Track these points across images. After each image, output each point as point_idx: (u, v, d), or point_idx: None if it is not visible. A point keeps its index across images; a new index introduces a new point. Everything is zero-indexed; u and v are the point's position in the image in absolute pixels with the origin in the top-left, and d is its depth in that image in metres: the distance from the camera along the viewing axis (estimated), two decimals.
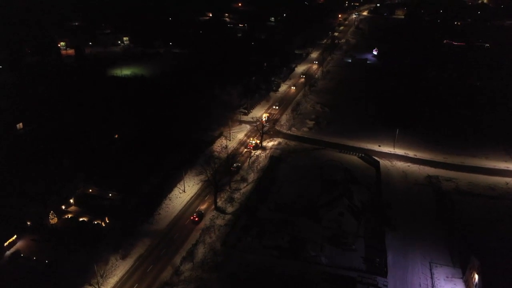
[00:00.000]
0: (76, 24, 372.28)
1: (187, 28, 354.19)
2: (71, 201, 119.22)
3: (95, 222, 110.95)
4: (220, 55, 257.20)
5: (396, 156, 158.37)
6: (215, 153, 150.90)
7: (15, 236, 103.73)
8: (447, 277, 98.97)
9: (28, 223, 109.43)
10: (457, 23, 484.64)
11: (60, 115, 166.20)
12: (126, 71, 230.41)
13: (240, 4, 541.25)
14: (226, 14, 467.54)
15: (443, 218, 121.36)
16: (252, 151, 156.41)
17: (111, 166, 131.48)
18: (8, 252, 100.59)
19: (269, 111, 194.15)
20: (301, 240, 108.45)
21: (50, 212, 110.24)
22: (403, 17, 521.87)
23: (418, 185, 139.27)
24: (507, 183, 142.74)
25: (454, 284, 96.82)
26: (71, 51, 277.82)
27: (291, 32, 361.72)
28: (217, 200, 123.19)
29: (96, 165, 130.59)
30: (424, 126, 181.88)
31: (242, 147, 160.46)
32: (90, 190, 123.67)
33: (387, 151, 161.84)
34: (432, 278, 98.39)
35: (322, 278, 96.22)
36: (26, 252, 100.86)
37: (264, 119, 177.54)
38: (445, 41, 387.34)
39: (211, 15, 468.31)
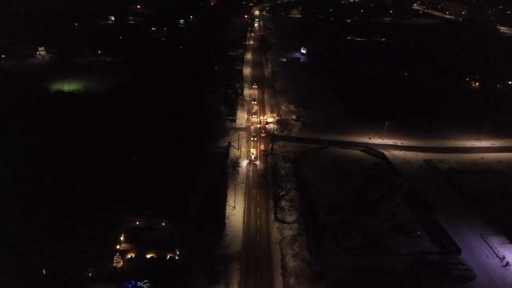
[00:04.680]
0: None
1: (101, 33, 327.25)
2: (121, 238, 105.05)
3: (168, 256, 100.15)
4: (167, 62, 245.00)
5: (388, 146, 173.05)
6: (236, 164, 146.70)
7: None
8: (500, 244, 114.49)
9: (90, 271, 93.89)
10: (348, 21, 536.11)
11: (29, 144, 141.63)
12: (73, 86, 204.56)
13: (138, 6, 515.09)
14: (131, 17, 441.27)
15: (461, 194, 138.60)
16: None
17: (143, 192, 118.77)
18: None
19: (256, 116, 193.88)
20: (372, 235, 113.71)
21: (116, 254, 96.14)
22: (299, 16, 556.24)
23: (423, 170, 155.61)
24: (483, 158, 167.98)
25: (508, 249, 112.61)
26: None
27: (209, 35, 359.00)
28: (267, 210, 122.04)
29: (127, 194, 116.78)
30: (393, 116, 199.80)
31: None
32: (137, 223, 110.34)
33: (378, 142, 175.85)
34: (491, 247, 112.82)
35: (414, 266, 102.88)
36: None
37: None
38: (349, 38, 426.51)
39: (113, 18, 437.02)
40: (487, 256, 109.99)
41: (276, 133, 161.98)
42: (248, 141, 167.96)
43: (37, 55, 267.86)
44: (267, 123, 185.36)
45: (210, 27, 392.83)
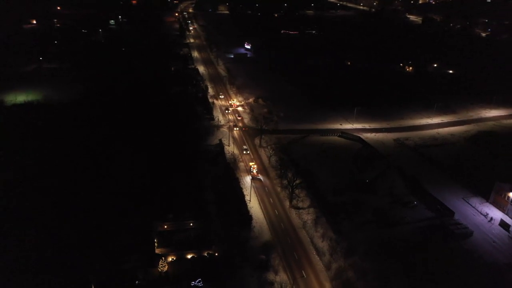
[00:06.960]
0: None
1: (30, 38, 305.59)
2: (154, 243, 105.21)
3: (208, 254, 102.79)
4: (120, 65, 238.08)
5: (359, 130, 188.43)
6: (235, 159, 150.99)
7: None
8: (480, 204, 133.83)
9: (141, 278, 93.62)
10: (275, 15, 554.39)
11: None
12: (30, 96, 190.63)
13: (59, 8, 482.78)
14: (55, 20, 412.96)
15: (433, 165, 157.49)
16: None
17: (158, 197, 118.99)
18: None
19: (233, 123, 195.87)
20: (378, 210, 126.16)
21: (161, 259, 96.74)
22: (227, 12, 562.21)
23: (395, 148, 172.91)
24: (438, 133, 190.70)
25: (487, 207, 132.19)
26: None
27: (153, 35, 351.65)
28: (280, 199, 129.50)
29: (144, 200, 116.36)
30: (356, 102, 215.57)
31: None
32: (165, 226, 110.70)
33: (349, 127, 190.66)
34: (474, 207, 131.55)
35: (423, 231, 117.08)
36: None
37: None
38: (282, 31, 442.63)
39: (35, 22, 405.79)
40: (474, 215, 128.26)
41: (265, 127, 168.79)
42: (234, 138, 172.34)
43: None
44: (237, 106, 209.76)
45: (146, 27, 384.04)
